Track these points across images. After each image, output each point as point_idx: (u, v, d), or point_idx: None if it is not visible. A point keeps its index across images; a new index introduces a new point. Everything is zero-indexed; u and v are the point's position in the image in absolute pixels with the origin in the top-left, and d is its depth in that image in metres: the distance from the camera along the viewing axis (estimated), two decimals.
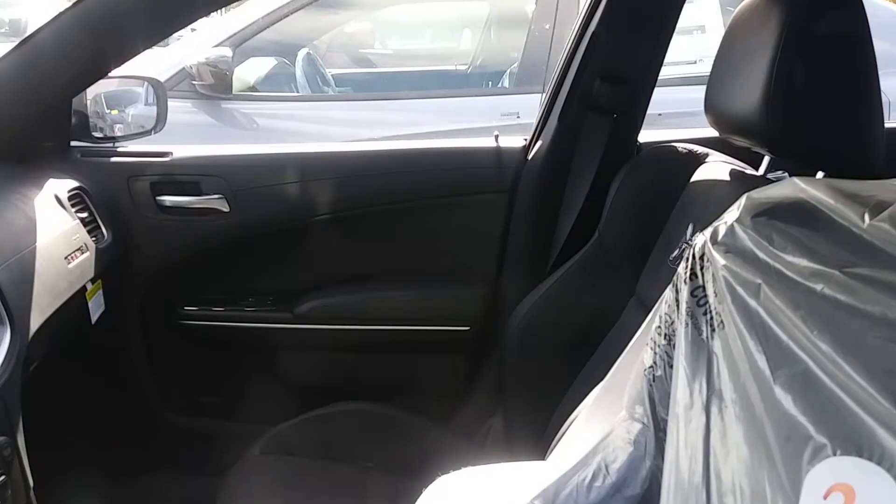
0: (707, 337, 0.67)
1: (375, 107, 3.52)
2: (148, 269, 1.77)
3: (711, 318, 0.67)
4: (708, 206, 1.30)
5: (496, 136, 1.83)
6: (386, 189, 1.80)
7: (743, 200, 0.71)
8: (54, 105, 1.55)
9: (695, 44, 3.42)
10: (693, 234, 1.32)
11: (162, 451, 1.84)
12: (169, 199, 1.73)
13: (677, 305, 0.71)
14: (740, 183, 1.28)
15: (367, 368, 1.89)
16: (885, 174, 0.77)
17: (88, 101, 1.70)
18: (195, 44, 3.31)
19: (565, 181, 1.76)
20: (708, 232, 0.71)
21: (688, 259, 0.72)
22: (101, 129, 1.75)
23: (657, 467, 0.70)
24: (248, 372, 1.89)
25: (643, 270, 1.45)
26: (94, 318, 1.54)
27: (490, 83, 3.80)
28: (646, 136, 1.76)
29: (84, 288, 1.48)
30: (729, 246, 0.68)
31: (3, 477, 1.04)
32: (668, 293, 0.73)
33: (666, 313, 0.73)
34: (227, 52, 3.20)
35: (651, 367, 0.73)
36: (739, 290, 0.64)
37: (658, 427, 0.71)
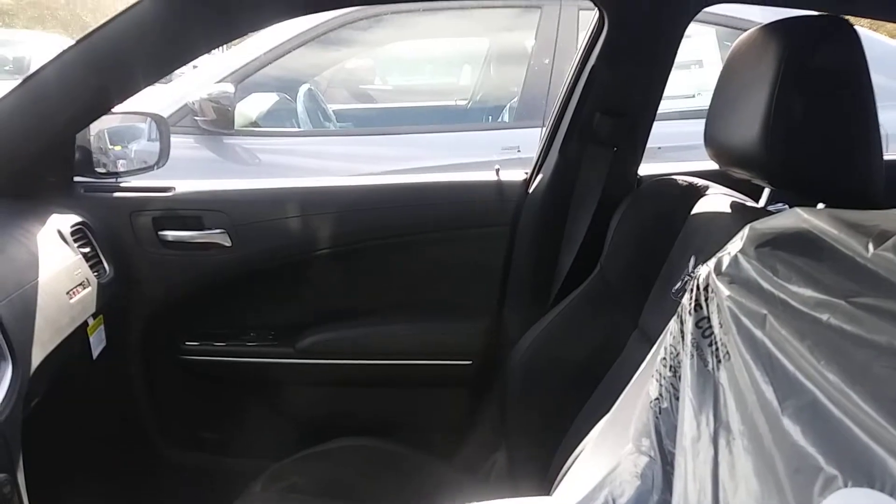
0: (713, 368, 0.66)
1: (376, 142, 3.54)
2: (149, 304, 1.77)
3: (717, 349, 0.67)
4: (710, 238, 1.30)
5: (497, 170, 1.84)
6: (387, 223, 1.81)
7: (746, 231, 0.71)
8: (58, 141, 1.56)
9: (693, 78, 3.45)
10: (695, 266, 1.31)
11: (163, 486, 1.82)
12: (171, 234, 1.73)
13: (682, 337, 0.71)
14: (741, 215, 1.29)
15: (369, 403, 1.88)
16: (885, 206, 0.77)
17: (92, 137, 1.71)
18: (197, 80, 3.33)
19: (566, 214, 1.77)
20: (712, 263, 0.71)
21: (692, 290, 0.72)
22: (104, 165, 1.76)
23: (665, 501, 0.69)
24: (249, 407, 1.88)
25: (646, 303, 1.45)
26: (95, 354, 1.53)
27: (490, 118, 3.82)
28: (645, 169, 1.77)
29: (86, 323, 1.48)
30: (733, 277, 0.68)
31: None
32: (673, 325, 0.73)
33: (671, 345, 0.73)
34: (230, 87, 3.22)
35: (657, 399, 0.72)
36: (745, 320, 0.64)
37: (665, 460, 0.70)
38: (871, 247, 0.63)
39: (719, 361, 0.66)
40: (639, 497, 0.71)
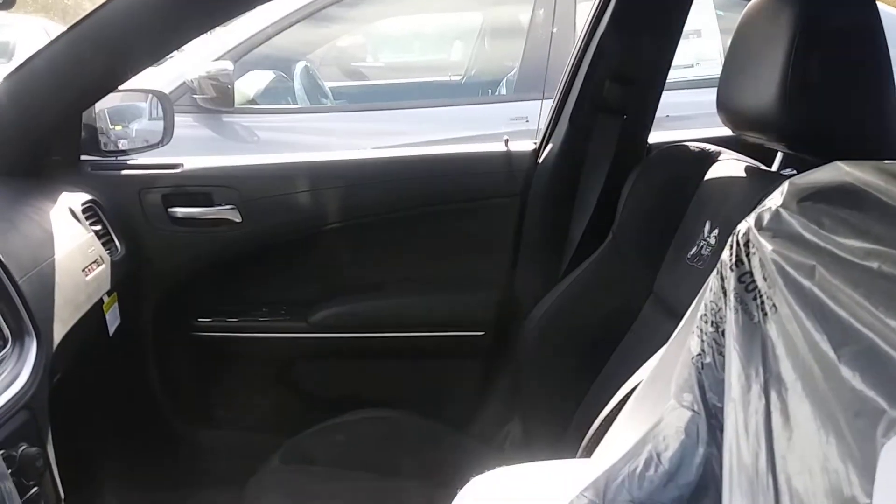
0: (759, 321, 0.67)
1: (376, 117, 3.53)
2: (161, 282, 1.76)
3: (762, 302, 0.67)
4: (725, 203, 1.31)
5: (506, 141, 1.84)
6: (397, 196, 1.80)
7: (786, 186, 0.71)
8: (64, 119, 1.55)
9: (692, 47, 3.44)
10: (711, 231, 1.32)
11: (180, 464, 1.82)
12: (180, 211, 1.72)
13: (724, 293, 0.71)
14: (756, 179, 1.29)
15: (383, 376, 1.89)
16: None
17: (96, 115, 1.70)
18: (194, 58, 3.31)
19: (577, 183, 1.77)
20: (751, 219, 0.71)
21: (731, 246, 0.72)
22: (110, 144, 1.75)
23: (711, 454, 0.70)
24: (263, 382, 1.88)
25: (660, 269, 1.45)
26: (111, 331, 1.53)
27: (490, 92, 3.81)
28: (655, 136, 1.77)
29: (101, 300, 1.48)
30: (776, 231, 0.68)
31: (35, 489, 1.02)
32: (713, 281, 0.73)
33: (711, 301, 0.73)
34: (229, 65, 3.20)
35: (699, 354, 0.73)
36: (792, 272, 0.64)
37: (710, 414, 0.71)
38: None
39: (765, 314, 0.66)
40: (683, 451, 0.71)
